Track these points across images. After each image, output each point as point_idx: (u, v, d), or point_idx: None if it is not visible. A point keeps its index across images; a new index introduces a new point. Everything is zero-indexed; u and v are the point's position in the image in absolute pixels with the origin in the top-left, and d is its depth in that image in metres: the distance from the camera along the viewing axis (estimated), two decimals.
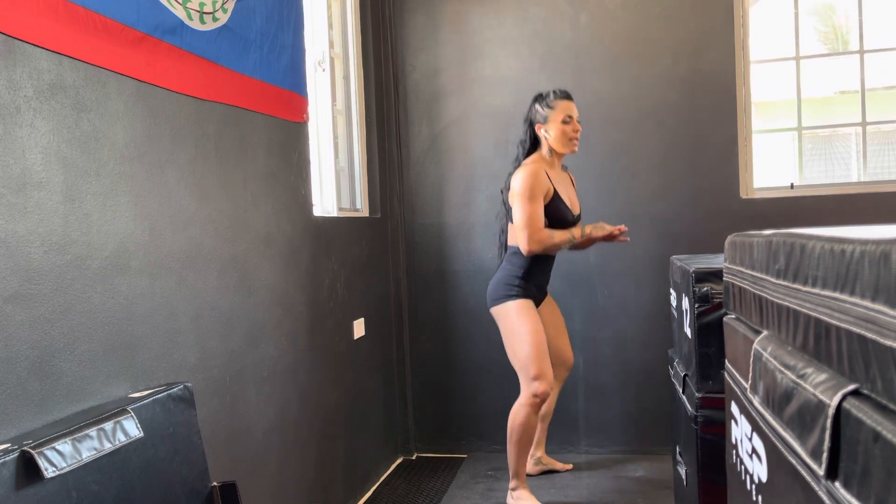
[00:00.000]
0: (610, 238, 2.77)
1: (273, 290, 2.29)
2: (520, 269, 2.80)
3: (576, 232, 2.76)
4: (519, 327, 2.73)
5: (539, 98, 2.84)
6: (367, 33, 3.34)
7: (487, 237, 3.46)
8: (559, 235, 2.72)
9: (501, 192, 2.91)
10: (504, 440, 3.20)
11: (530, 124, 2.86)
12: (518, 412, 2.78)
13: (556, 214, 2.76)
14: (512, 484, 2.88)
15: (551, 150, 2.83)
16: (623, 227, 2.77)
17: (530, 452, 3.13)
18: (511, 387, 3.21)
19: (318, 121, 2.92)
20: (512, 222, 2.78)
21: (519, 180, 2.72)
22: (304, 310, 2.52)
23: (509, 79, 3.43)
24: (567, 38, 3.40)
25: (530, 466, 3.15)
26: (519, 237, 2.71)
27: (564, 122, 2.78)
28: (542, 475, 3.16)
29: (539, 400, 2.74)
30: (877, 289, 0.59)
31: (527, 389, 2.76)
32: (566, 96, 2.82)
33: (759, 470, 0.97)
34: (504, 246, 2.89)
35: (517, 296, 2.75)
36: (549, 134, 2.80)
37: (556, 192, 2.76)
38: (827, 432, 0.66)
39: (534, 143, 2.87)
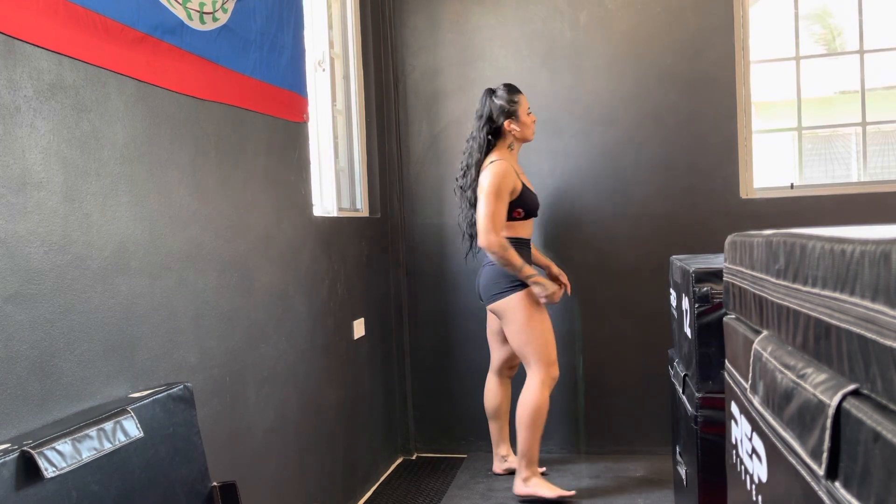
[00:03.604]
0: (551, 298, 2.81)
1: (273, 290, 2.29)
2: None
3: (532, 273, 2.79)
4: (534, 313, 2.82)
5: (494, 94, 2.93)
6: (367, 33, 3.34)
7: None
8: (518, 261, 2.75)
9: (461, 187, 2.98)
10: None
11: (489, 120, 2.91)
12: (534, 397, 2.83)
13: (526, 204, 2.88)
14: (525, 474, 2.89)
15: (517, 142, 2.95)
16: (559, 288, 2.84)
17: (494, 451, 3.23)
18: (511, 385, 3.22)
19: (318, 121, 2.92)
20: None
21: (489, 177, 2.81)
22: (304, 310, 2.52)
23: (509, 79, 3.42)
24: (567, 37, 3.40)
25: (496, 465, 3.23)
26: (482, 231, 2.75)
27: (529, 114, 2.96)
28: (509, 474, 3.19)
29: (553, 383, 2.87)
30: (877, 289, 0.59)
31: (544, 373, 2.83)
32: (520, 90, 2.98)
33: (759, 470, 0.97)
34: (474, 238, 2.97)
35: (522, 284, 2.81)
36: (517, 127, 2.92)
37: (523, 186, 2.88)
38: (827, 432, 0.66)
39: (493, 138, 2.94)
